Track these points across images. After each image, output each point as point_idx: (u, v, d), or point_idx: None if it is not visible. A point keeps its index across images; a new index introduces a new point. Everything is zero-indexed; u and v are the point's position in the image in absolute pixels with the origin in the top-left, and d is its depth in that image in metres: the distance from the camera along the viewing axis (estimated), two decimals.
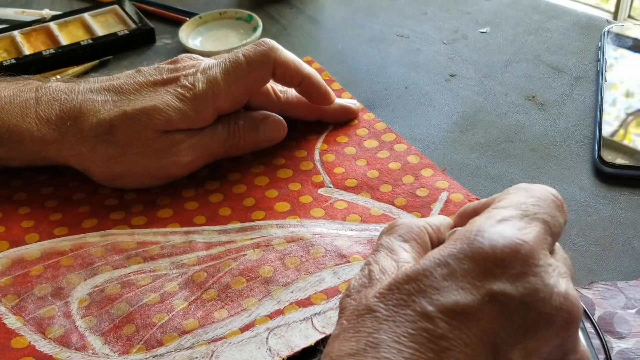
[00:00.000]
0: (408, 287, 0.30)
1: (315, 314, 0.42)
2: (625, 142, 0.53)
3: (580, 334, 0.39)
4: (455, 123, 0.57)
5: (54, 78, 0.64)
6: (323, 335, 0.41)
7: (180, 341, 0.41)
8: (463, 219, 0.37)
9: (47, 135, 0.51)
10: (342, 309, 0.33)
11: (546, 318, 0.30)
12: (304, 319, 0.42)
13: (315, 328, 0.41)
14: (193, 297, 0.44)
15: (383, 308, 0.30)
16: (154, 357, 0.41)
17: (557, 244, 0.35)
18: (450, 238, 0.32)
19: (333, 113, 0.58)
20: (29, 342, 0.42)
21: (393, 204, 0.50)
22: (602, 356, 0.39)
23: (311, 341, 0.41)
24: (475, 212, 0.37)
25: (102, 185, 0.53)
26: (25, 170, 0.54)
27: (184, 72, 0.52)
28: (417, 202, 0.50)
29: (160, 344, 0.41)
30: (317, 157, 0.55)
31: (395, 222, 0.37)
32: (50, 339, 0.42)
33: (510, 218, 0.32)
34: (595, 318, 0.42)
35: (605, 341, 0.40)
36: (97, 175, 0.52)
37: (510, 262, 0.30)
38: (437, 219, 0.38)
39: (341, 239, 0.47)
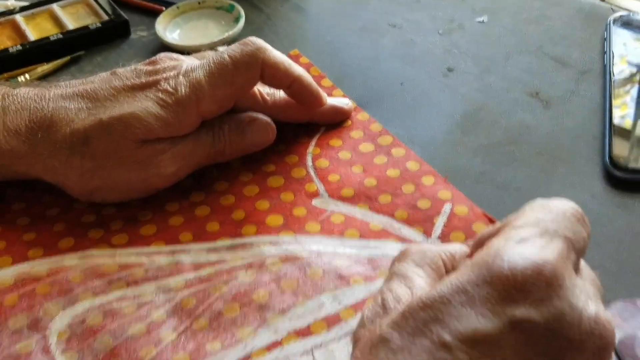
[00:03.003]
0: (424, 315, 0.28)
1: (316, 346, 0.39)
2: (634, 149, 0.50)
3: None
4: (456, 123, 0.53)
5: (21, 78, 0.59)
6: None
7: None
8: (479, 246, 0.35)
9: (17, 147, 0.46)
10: (355, 340, 0.31)
11: (576, 345, 0.27)
12: (304, 352, 0.39)
13: None
14: (182, 327, 0.41)
15: (397, 337, 0.28)
16: None
17: (582, 261, 0.32)
18: (468, 263, 0.30)
19: (324, 114, 0.54)
20: None
21: (393, 217, 0.46)
22: None
23: None
24: (492, 236, 0.34)
25: (77, 199, 0.49)
26: None
27: (164, 75, 0.48)
28: (418, 216, 0.46)
29: None
30: (309, 162, 0.51)
31: (408, 249, 0.34)
32: None
33: (529, 237, 0.30)
34: (616, 342, 0.39)
35: None
36: (72, 190, 0.48)
37: (532, 285, 0.28)
38: (452, 247, 0.35)
39: (340, 258, 0.44)
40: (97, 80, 0.49)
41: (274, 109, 0.53)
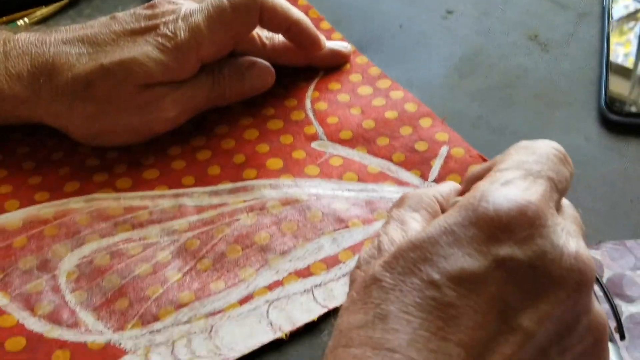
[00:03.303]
0: (413, 255, 0.29)
1: (316, 285, 0.41)
2: (634, 88, 0.51)
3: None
4: (454, 67, 0.54)
5: (20, 22, 0.59)
6: (325, 310, 0.39)
7: (177, 315, 0.40)
8: (469, 184, 0.36)
9: (20, 93, 0.47)
10: (351, 281, 0.32)
11: (557, 280, 0.28)
12: (305, 291, 0.40)
13: (317, 301, 0.40)
14: (187, 268, 0.42)
15: (389, 277, 0.29)
16: (150, 332, 0.39)
17: (566, 201, 0.33)
18: (456, 205, 0.31)
19: (323, 58, 0.54)
20: (17, 320, 0.40)
21: (391, 160, 0.47)
22: (612, 322, 0.38)
23: (313, 316, 0.39)
24: (480, 176, 0.36)
25: (81, 143, 0.50)
26: None
27: (163, 19, 0.48)
28: (415, 158, 0.47)
29: (156, 318, 0.40)
30: (308, 105, 0.52)
31: (405, 195, 0.35)
32: (40, 316, 0.40)
33: (513, 180, 0.31)
34: (604, 280, 0.41)
35: (615, 306, 0.39)
36: (76, 134, 0.49)
37: (516, 225, 0.29)
38: (446, 187, 0.36)
39: (338, 200, 0.45)
40: (97, 25, 0.49)
41: (272, 52, 0.53)
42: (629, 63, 0.52)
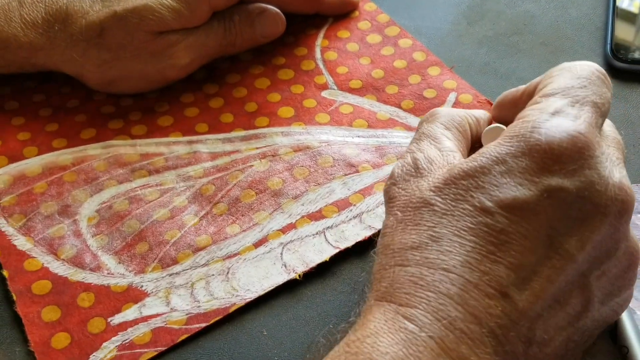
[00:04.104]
0: (465, 183, 0.31)
1: (328, 227, 0.42)
2: (639, 33, 0.51)
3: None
4: (462, 14, 0.54)
5: None
6: (337, 250, 0.41)
7: (195, 258, 0.41)
8: (502, 110, 0.38)
9: (35, 40, 0.48)
10: (390, 197, 0.33)
11: (601, 210, 0.30)
12: (317, 233, 0.42)
13: (329, 242, 0.41)
14: (203, 212, 0.44)
15: (440, 202, 0.31)
16: (170, 275, 0.41)
17: (608, 122, 0.34)
18: (506, 134, 0.32)
19: (332, 5, 0.55)
20: (42, 264, 0.41)
21: (400, 107, 0.48)
22: None
23: (325, 256, 0.41)
24: (515, 101, 0.36)
25: (95, 90, 0.51)
26: (11, 76, 0.52)
27: None
28: (424, 105, 0.48)
29: (175, 261, 0.41)
30: (318, 55, 0.53)
31: (435, 110, 0.36)
32: (63, 259, 0.42)
33: (562, 109, 0.31)
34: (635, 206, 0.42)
35: None
36: (91, 81, 0.50)
37: (567, 156, 0.30)
38: (477, 112, 0.38)
39: (349, 146, 0.46)
40: None
41: (282, 0, 0.53)
42: (635, 6, 0.52)
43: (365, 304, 0.31)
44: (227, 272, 0.41)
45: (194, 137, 0.48)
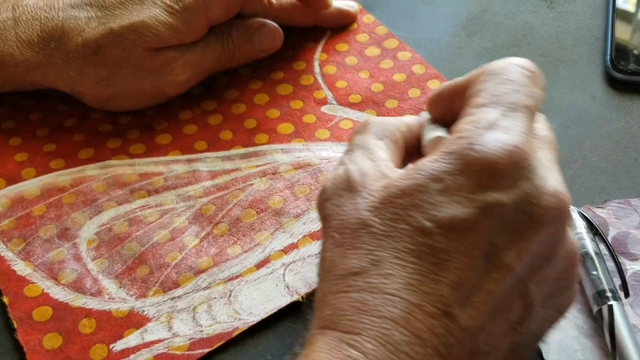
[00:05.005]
0: (403, 202, 0.30)
1: None
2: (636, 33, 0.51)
3: (588, 244, 0.39)
4: (461, 25, 0.54)
5: None
6: None
7: (196, 281, 0.41)
8: (438, 107, 0.37)
9: (31, 58, 0.47)
10: (325, 215, 0.33)
11: (537, 219, 0.30)
12: (319, 253, 0.42)
13: None
14: (204, 233, 0.43)
15: (379, 223, 0.30)
16: (171, 299, 0.40)
17: (539, 118, 0.34)
18: (441, 150, 0.31)
19: (330, 18, 0.55)
20: (43, 289, 0.41)
21: None
22: (617, 280, 0.39)
23: None
24: (450, 97, 0.36)
25: (93, 107, 0.50)
26: (7, 94, 0.51)
27: None
28: None
29: (176, 285, 0.41)
30: (317, 69, 0.52)
31: (367, 120, 0.36)
32: (64, 284, 0.41)
33: (496, 121, 0.31)
34: (609, 239, 0.42)
35: (620, 264, 0.40)
36: (88, 98, 0.49)
37: (503, 171, 0.30)
38: (409, 119, 0.37)
39: None
40: None
41: (279, 13, 0.53)
42: (630, 3, 0.52)
43: (308, 333, 0.30)
44: (230, 295, 0.40)
45: (193, 156, 0.48)
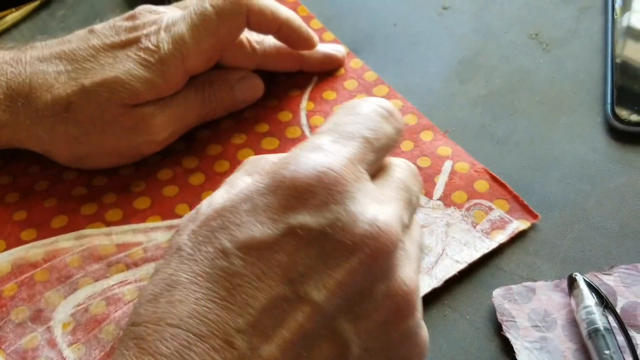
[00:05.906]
0: (214, 224, 0.29)
1: None
2: None
3: (598, 319, 0.37)
4: (453, 70, 0.51)
5: None
6: None
7: None
8: None
9: None
10: (168, 248, 0.31)
11: (348, 248, 0.28)
12: None
13: None
14: None
15: (189, 246, 0.29)
16: None
17: (397, 160, 0.33)
18: (261, 171, 0.31)
19: (316, 63, 0.52)
20: None
21: None
22: (628, 356, 0.37)
23: None
24: None
25: (65, 166, 0.47)
26: None
27: (144, 31, 0.45)
28: None
29: None
30: (303, 120, 0.49)
31: (246, 160, 0.34)
32: None
33: (322, 145, 0.30)
34: (618, 310, 0.40)
35: (630, 337, 0.38)
36: (60, 157, 0.46)
37: (311, 192, 0.28)
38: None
39: None
40: (75, 39, 0.47)
41: (264, 58, 0.50)
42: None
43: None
44: None
45: (174, 221, 0.45)
